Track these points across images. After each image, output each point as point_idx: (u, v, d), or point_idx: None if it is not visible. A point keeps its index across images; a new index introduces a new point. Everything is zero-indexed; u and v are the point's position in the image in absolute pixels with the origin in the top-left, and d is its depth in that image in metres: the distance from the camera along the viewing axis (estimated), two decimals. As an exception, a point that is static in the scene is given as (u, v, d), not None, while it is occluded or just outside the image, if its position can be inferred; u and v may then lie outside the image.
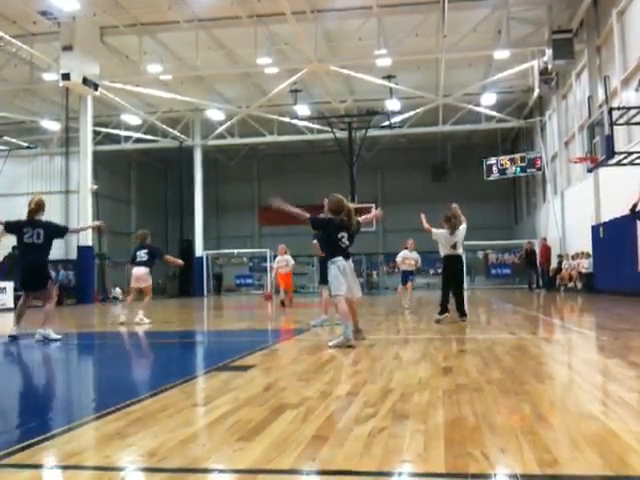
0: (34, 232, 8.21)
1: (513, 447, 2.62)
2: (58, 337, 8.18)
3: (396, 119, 29.21)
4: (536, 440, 2.70)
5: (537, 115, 29.20)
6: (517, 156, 28.50)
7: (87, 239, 23.61)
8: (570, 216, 24.43)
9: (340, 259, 6.69)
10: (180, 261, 12.75)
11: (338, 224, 6.83)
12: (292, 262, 16.06)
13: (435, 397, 3.70)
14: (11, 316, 16.22)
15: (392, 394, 3.82)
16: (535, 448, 2.58)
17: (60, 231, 8.67)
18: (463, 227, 9.48)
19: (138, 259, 11.51)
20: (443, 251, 9.60)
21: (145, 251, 11.53)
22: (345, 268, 6.68)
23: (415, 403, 3.57)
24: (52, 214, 29.70)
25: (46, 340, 8.01)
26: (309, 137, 32.16)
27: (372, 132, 29.74)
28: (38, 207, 8.38)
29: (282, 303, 16.13)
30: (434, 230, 9.70)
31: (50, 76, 23.46)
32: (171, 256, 12.45)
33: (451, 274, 9.63)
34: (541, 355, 5.88)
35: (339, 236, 6.77)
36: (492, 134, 33.59)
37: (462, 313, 9.46)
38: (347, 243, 6.82)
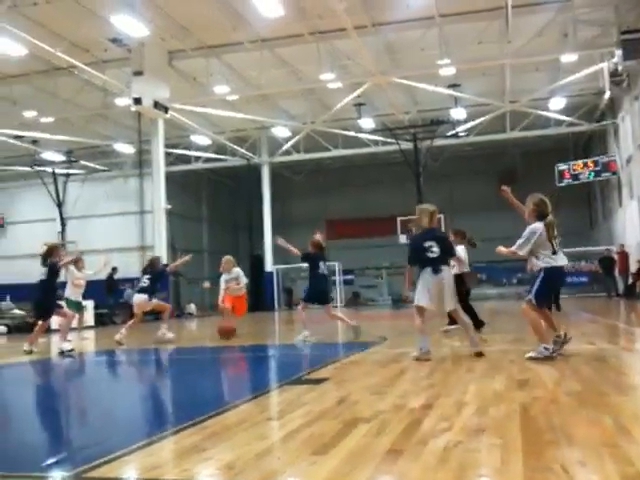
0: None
1: (594, 460, 2.55)
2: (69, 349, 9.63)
3: (462, 127, 28.86)
4: (618, 453, 2.62)
5: (609, 118, 28.29)
6: (590, 160, 27.64)
7: (162, 258, 24.22)
8: (648, 220, 23.50)
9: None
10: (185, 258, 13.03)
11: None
12: (244, 280, 12.03)
13: (511, 410, 3.63)
14: (92, 333, 16.79)
15: (467, 407, 3.77)
16: (617, 461, 2.50)
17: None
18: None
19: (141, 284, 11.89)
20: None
21: (148, 276, 11.63)
22: None
23: (491, 417, 3.51)
24: (128, 234, 30.85)
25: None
26: (374, 150, 32.12)
27: (438, 142, 29.47)
28: (47, 252, 10.03)
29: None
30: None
31: (122, 101, 24.28)
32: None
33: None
34: (622, 365, 5.68)
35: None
36: (563, 139, 32.72)
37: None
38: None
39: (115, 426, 4.27)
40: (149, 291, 11.42)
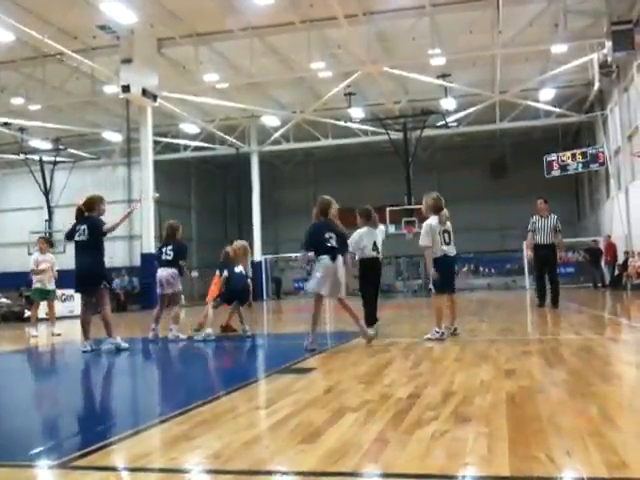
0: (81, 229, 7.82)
1: (579, 449, 2.57)
2: (126, 345, 7.86)
3: (452, 118, 28.87)
4: (603, 442, 2.64)
5: (598, 109, 28.40)
6: (578, 151, 27.70)
7: (150, 246, 24.12)
8: (636, 211, 23.64)
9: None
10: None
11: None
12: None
13: (498, 399, 3.66)
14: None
15: (454, 397, 3.79)
16: (602, 450, 2.52)
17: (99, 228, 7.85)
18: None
19: (163, 257, 9.43)
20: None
21: (171, 247, 9.44)
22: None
23: (478, 406, 3.53)
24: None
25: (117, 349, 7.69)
26: (364, 139, 32.10)
27: (428, 132, 29.46)
28: (86, 204, 8.00)
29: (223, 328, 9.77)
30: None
31: (111, 89, 24.12)
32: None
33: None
34: (608, 355, 5.72)
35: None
36: (552, 130, 32.81)
37: None
38: None
39: (103, 415, 4.27)
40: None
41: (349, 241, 7.83)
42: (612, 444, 2.61)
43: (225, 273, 9.17)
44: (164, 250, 9.40)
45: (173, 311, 9.42)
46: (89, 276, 7.80)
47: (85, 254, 7.80)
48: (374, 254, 8.18)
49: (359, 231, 8.28)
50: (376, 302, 8.38)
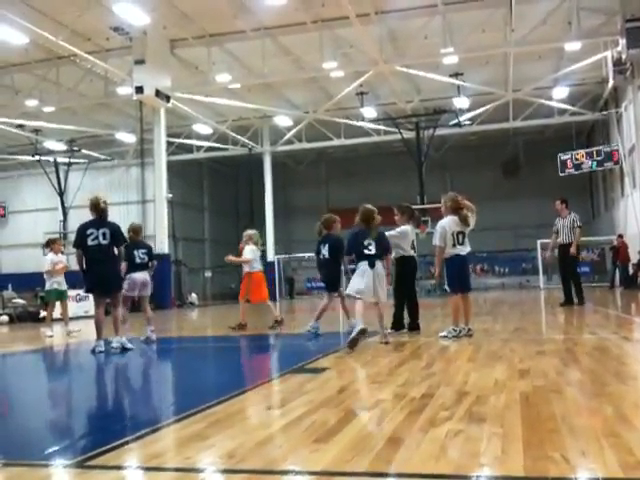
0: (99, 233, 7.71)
1: (594, 450, 2.56)
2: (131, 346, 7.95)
3: (465, 116, 28.76)
4: (619, 442, 2.62)
5: (612, 107, 28.16)
6: (593, 150, 27.54)
7: (163, 247, 24.22)
8: (651, 210, 23.47)
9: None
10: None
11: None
12: (249, 256, 10.75)
13: (512, 399, 3.64)
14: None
15: (468, 396, 3.77)
16: (618, 450, 2.51)
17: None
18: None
19: (138, 260, 9.08)
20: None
21: (144, 251, 9.23)
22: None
23: (492, 405, 3.52)
24: (129, 223, 30.74)
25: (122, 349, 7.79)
26: (376, 139, 32.04)
27: (440, 131, 29.38)
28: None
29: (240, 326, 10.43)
30: None
31: (124, 90, 24.23)
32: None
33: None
34: (623, 355, 5.68)
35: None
36: (566, 128, 32.59)
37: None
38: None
39: (117, 414, 4.29)
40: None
41: (396, 234, 8.08)
42: (627, 444, 2.59)
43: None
44: (137, 253, 9.06)
45: (148, 313, 9.32)
46: (114, 281, 7.98)
47: (108, 258, 7.78)
48: (412, 252, 8.29)
49: (406, 228, 8.27)
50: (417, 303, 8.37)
